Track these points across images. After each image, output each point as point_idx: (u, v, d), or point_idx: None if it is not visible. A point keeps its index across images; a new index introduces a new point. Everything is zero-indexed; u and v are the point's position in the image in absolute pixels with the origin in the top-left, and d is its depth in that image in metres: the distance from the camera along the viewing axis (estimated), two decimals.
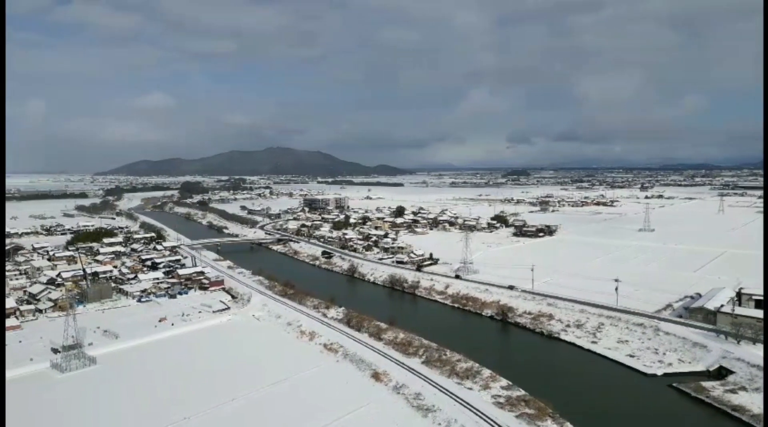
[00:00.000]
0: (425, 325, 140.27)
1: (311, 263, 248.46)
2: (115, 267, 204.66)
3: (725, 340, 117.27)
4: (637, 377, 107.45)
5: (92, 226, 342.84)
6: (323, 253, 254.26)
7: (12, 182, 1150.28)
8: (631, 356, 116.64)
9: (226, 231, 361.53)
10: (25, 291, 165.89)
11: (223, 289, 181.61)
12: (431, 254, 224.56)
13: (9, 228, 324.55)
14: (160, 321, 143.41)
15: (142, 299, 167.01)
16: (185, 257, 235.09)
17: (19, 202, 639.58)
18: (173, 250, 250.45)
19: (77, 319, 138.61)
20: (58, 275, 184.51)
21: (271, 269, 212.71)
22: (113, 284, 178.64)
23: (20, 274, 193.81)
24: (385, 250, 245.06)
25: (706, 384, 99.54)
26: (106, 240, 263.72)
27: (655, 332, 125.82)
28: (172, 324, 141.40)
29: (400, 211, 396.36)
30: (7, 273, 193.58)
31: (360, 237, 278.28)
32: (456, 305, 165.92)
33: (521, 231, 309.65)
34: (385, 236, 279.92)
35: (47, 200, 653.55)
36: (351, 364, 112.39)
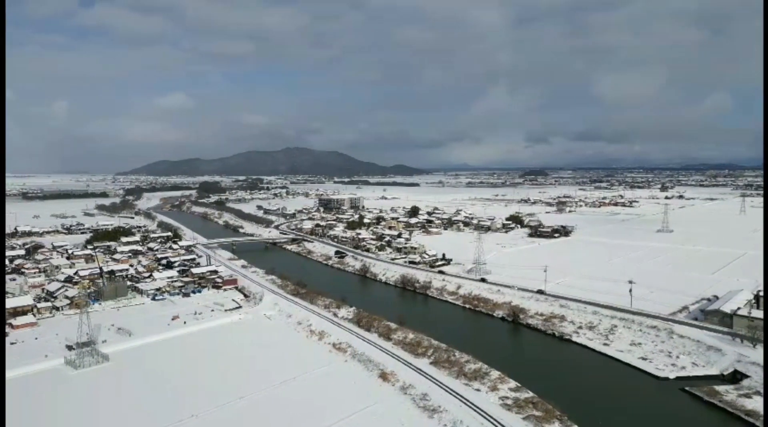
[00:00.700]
0: (435, 325, 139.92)
1: (324, 262, 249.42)
2: (132, 266, 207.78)
3: (741, 343, 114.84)
4: (649, 380, 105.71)
5: (111, 225, 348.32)
6: (336, 252, 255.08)
7: (35, 182, 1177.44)
8: (644, 358, 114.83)
9: (241, 230, 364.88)
10: (43, 289, 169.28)
11: (236, 288, 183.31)
12: (444, 255, 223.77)
13: (30, 227, 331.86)
14: (172, 319, 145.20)
15: (157, 298, 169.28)
16: (200, 256, 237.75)
17: (42, 201, 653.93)
18: (188, 249, 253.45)
19: (93, 316, 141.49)
20: (76, 273, 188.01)
21: (285, 269, 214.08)
22: (129, 283, 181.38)
23: (39, 272, 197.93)
24: (398, 250, 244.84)
25: (720, 388, 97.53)
26: (123, 239, 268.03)
27: (669, 335, 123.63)
28: (185, 322, 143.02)
29: (414, 212, 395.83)
30: (26, 271, 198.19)
31: (373, 237, 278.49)
32: (467, 306, 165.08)
33: (536, 232, 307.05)
34: (399, 236, 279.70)
35: (69, 200, 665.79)
36: (359, 364, 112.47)
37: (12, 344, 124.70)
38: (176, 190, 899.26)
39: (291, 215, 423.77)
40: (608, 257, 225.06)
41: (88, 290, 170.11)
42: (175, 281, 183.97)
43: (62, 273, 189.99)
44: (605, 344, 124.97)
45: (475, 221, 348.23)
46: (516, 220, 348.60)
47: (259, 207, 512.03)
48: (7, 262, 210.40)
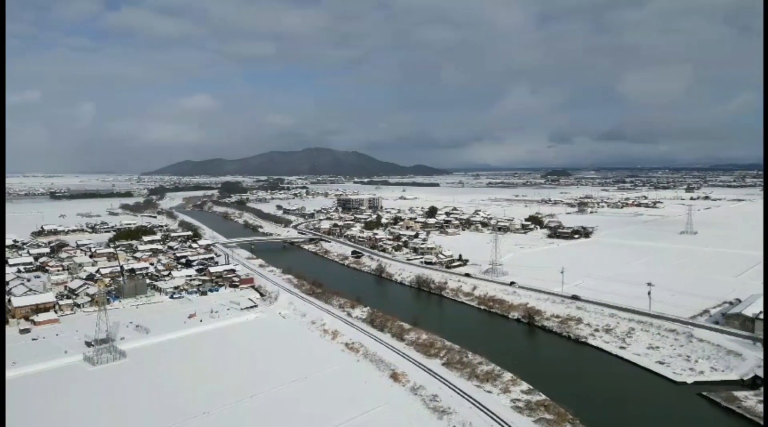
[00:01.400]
0: (449, 326, 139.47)
1: (341, 262, 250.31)
2: (152, 264, 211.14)
3: (762, 348, 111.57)
4: (666, 385, 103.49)
5: (134, 224, 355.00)
6: (353, 252, 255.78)
7: (63, 182, 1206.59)
8: (661, 362, 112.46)
9: (260, 230, 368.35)
10: (65, 286, 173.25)
11: (253, 287, 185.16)
12: (460, 255, 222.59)
13: (56, 226, 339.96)
14: (189, 317, 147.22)
15: (175, 296, 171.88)
16: (219, 255, 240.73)
17: (69, 201, 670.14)
18: (208, 248, 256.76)
19: (112, 314, 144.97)
20: (97, 271, 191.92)
21: (301, 268, 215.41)
22: (148, 281, 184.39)
23: (63, 269, 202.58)
24: (415, 250, 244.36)
25: (739, 394, 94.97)
26: (145, 238, 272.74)
27: (688, 339, 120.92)
28: (201, 321, 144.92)
29: (432, 212, 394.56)
30: (50, 268, 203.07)
31: (390, 237, 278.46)
32: (482, 307, 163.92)
33: (556, 233, 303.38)
34: (416, 236, 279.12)
35: (95, 199, 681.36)
36: (371, 364, 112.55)
37: (33, 340, 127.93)
38: (199, 190, 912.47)
39: (310, 215, 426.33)
40: (629, 259, 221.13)
41: (109, 288, 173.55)
42: (193, 279, 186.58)
43: (84, 271, 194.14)
44: (622, 348, 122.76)
45: (493, 222, 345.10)
46: (535, 220, 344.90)
47: (279, 207, 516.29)
48: (32, 259, 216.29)
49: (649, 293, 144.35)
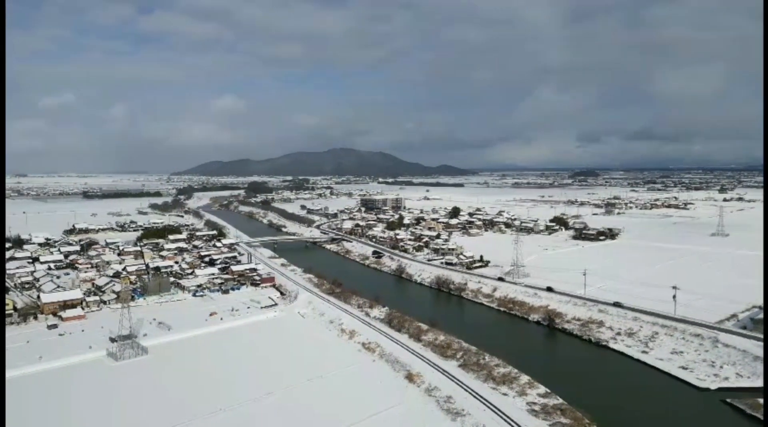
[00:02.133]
0: (468, 328, 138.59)
1: (361, 262, 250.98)
2: (176, 263, 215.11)
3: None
4: (688, 391, 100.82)
5: (162, 223, 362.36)
6: (374, 252, 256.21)
7: (96, 182, 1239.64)
8: (684, 368, 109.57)
9: (284, 230, 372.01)
10: (93, 283, 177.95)
11: (274, 286, 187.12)
12: (482, 256, 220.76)
13: (87, 224, 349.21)
14: (210, 315, 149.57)
15: (197, 294, 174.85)
16: (242, 254, 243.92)
17: (101, 200, 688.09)
18: (231, 247, 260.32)
19: (137, 311, 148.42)
20: (124, 268, 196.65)
21: (322, 268, 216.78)
22: (172, 279, 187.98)
23: (91, 267, 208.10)
24: (436, 251, 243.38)
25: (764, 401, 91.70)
26: (171, 237, 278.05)
27: (714, 344, 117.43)
28: (221, 319, 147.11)
29: (455, 212, 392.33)
30: (79, 266, 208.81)
31: (411, 237, 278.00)
32: (502, 309, 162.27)
33: (581, 234, 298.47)
34: (437, 236, 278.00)
35: (126, 199, 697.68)
36: (386, 364, 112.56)
37: (60, 335, 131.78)
38: (226, 190, 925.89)
39: (333, 215, 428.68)
40: (655, 262, 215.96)
41: (134, 286, 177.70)
42: (216, 278, 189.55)
43: (111, 269, 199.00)
44: (644, 352, 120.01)
45: (517, 223, 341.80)
46: (560, 222, 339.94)
47: (303, 207, 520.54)
48: (62, 257, 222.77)
49: (674, 297, 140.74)
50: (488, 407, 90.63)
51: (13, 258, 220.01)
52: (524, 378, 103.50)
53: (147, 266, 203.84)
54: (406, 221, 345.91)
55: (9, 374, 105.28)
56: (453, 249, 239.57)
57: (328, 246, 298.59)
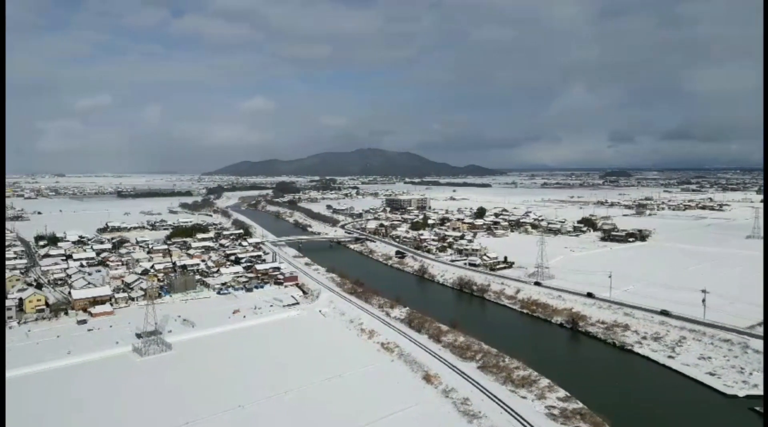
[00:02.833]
0: (489, 329, 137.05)
1: (384, 262, 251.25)
2: (203, 261, 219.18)
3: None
4: (715, 397, 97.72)
5: (190, 222, 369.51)
6: (397, 253, 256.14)
7: (130, 181, 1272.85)
8: (712, 374, 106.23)
9: (309, 229, 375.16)
10: (122, 280, 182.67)
11: (297, 284, 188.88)
12: (506, 257, 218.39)
13: (120, 223, 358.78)
14: (233, 313, 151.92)
15: (222, 292, 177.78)
16: (267, 253, 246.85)
17: (134, 199, 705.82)
18: (257, 246, 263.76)
19: (163, 307, 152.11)
20: (152, 266, 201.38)
21: (345, 267, 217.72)
22: (198, 277, 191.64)
23: (121, 264, 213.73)
24: (459, 251, 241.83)
25: None
26: (199, 236, 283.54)
27: (743, 350, 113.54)
28: (244, 316, 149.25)
29: (480, 213, 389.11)
30: (110, 263, 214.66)
31: (435, 238, 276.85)
32: (525, 311, 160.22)
33: (609, 236, 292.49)
34: (461, 237, 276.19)
35: (157, 198, 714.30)
36: (405, 364, 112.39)
37: (89, 330, 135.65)
38: (254, 190, 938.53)
39: (358, 215, 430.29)
40: (686, 264, 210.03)
41: (161, 283, 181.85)
42: (240, 276, 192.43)
43: (140, 266, 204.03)
44: (670, 357, 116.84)
45: (544, 223, 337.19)
46: (588, 223, 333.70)
47: (329, 207, 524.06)
48: (94, 254, 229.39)
49: (703, 301, 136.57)
50: (505, 410, 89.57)
51: (47, 255, 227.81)
52: (544, 381, 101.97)
53: (174, 264, 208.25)
54: (430, 221, 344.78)
55: (38, 367, 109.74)
56: (477, 250, 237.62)
57: (352, 246, 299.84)
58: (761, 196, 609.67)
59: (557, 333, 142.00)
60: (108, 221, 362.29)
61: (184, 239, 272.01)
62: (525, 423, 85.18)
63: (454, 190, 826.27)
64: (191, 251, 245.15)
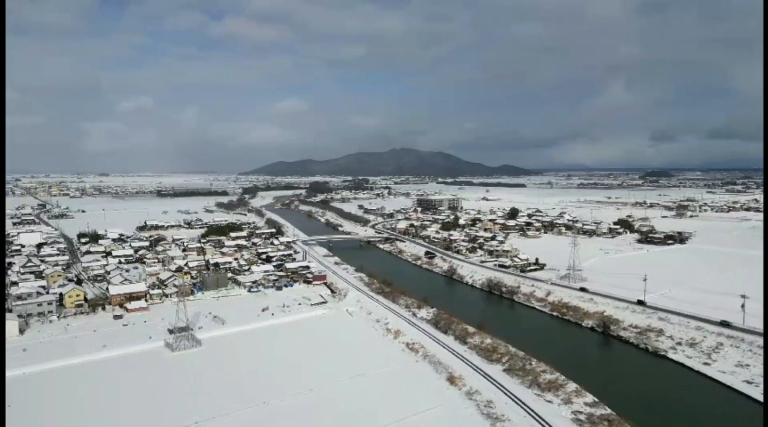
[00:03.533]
0: (517, 332, 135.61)
1: (413, 262, 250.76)
2: (235, 259, 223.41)
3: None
4: (752, 407, 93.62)
5: (225, 221, 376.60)
6: (426, 253, 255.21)
7: (169, 181, 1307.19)
8: (749, 382, 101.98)
9: (340, 229, 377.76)
10: (157, 277, 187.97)
11: (325, 283, 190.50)
12: (537, 259, 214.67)
13: (158, 221, 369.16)
14: (262, 311, 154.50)
15: (252, 290, 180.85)
16: (297, 252, 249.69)
17: (172, 198, 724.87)
18: (288, 245, 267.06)
19: (195, 304, 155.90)
20: (186, 264, 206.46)
21: (374, 267, 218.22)
22: (230, 275, 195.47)
23: (157, 261, 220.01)
24: (490, 252, 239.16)
25: None
26: (232, 234, 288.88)
27: None
28: (273, 314, 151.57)
29: (513, 213, 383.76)
30: (147, 260, 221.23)
31: (465, 238, 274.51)
32: (555, 314, 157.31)
33: (647, 237, 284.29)
34: (492, 238, 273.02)
35: (195, 197, 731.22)
36: (429, 365, 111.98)
37: (124, 325, 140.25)
38: (288, 190, 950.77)
39: (389, 215, 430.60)
40: (727, 268, 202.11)
41: (194, 280, 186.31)
42: (270, 274, 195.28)
43: (175, 264, 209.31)
44: (706, 364, 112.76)
45: (578, 225, 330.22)
46: (624, 224, 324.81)
47: (360, 206, 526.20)
48: (132, 252, 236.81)
49: (742, 306, 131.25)
50: (529, 414, 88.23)
51: (89, 252, 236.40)
52: (571, 386, 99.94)
53: (207, 261, 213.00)
54: (461, 222, 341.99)
55: (75, 360, 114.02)
56: (507, 251, 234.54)
57: (381, 246, 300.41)
58: None
59: (587, 337, 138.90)
60: (147, 219, 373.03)
61: (218, 238, 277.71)
62: None
63: (488, 191, 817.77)
64: (224, 249, 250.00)
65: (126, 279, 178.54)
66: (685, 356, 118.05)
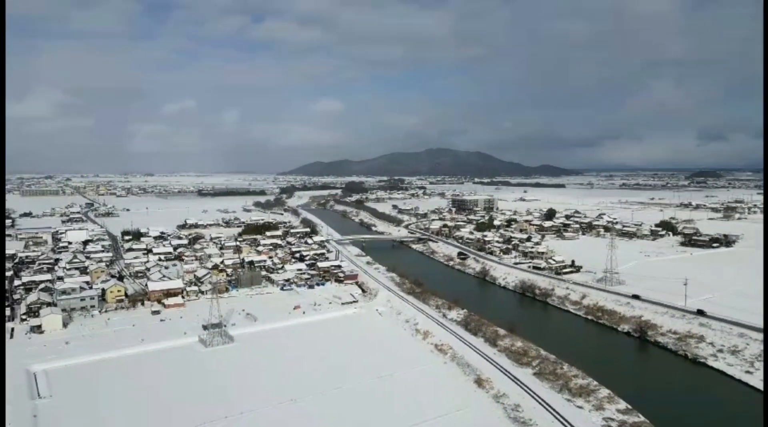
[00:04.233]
0: (549, 335, 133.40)
1: (446, 263, 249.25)
2: (270, 258, 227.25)
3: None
4: None
5: (262, 220, 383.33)
6: (459, 254, 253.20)
7: (210, 181, 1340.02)
8: None
9: (374, 228, 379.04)
10: (194, 275, 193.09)
11: (356, 283, 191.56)
12: (573, 261, 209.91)
13: (197, 220, 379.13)
14: (294, 309, 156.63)
15: (284, 288, 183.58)
16: (330, 252, 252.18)
17: (212, 198, 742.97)
18: (321, 244, 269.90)
19: (229, 301, 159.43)
20: (222, 262, 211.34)
21: (406, 267, 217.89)
22: (264, 273, 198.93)
23: (194, 259, 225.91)
24: (524, 254, 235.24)
25: None
26: (268, 233, 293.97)
27: None
28: (304, 312, 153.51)
29: (550, 214, 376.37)
30: (185, 258, 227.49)
31: (499, 239, 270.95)
32: (589, 317, 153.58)
33: (690, 240, 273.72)
34: (528, 239, 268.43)
35: (233, 197, 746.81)
36: (457, 367, 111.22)
37: (161, 320, 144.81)
38: (324, 190, 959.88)
39: (423, 215, 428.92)
40: None
41: (230, 278, 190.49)
42: (303, 273, 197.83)
43: (211, 261, 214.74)
44: (748, 372, 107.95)
45: (618, 226, 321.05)
46: (667, 226, 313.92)
47: (394, 206, 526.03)
48: (171, 249, 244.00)
49: None
50: (557, 419, 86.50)
51: (131, 249, 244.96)
52: (604, 391, 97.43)
53: (242, 260, 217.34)
54: (496, 223, 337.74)
55: (114, 353, 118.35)
56: (542, 253, 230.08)
57: (414, 246, 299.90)
58: None
59: (623, 342, 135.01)
60: (187, 218, 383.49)
61: (254, 236, 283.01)
62: None
63: (525, 191, 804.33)
64: (259, 248, 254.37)
65: (164, 276, 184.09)
66: (726, 364, 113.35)
